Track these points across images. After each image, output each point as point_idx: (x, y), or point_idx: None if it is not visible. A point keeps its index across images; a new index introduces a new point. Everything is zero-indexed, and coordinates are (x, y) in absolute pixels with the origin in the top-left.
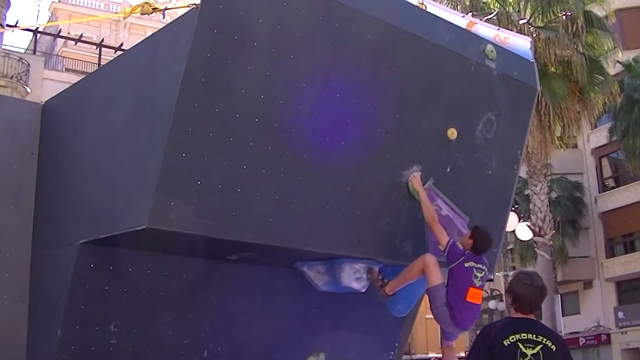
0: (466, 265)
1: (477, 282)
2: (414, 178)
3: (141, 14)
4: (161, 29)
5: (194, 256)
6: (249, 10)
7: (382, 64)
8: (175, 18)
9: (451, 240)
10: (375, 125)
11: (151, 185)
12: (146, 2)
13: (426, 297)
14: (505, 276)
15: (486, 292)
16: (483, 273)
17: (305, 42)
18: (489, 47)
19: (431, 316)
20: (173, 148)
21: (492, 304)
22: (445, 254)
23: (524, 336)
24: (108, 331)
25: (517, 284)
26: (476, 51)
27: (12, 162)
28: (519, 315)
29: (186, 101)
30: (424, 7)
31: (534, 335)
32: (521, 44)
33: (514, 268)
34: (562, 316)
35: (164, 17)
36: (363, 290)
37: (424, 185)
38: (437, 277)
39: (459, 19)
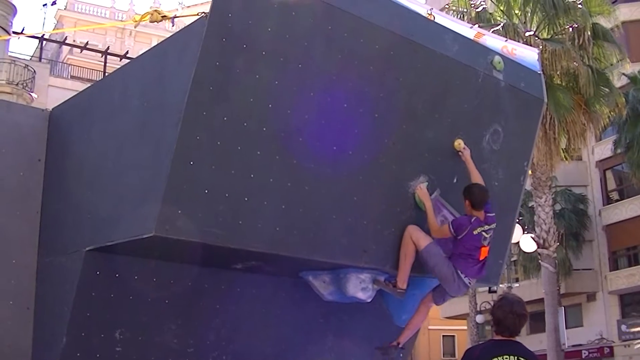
0: (475, 232)
1: (486, 242)
2: (420, 189)
3: (150, 22)
4: (170, 37)
5: (199, 264)
6: (258, 19)
7: (389, 74)
8: (184, 26)
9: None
10: (382, 136)
11: (158, 193)
12: (155, 10)
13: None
14: (509, 288)
15: (489, 303)
16: (491, 232)
17: (313, 52)
18: (497, 58)
19: (433, 327)
20: (180, 156)
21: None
22: (453, 233)
23: (506, 358)
24: (113, 339)
25: (498, 309)
26: (484, 62)
27: (19, 168)
28: (500, 337)
29: (194, 109)
30: (432, 18)
31: (515, 357)
32: (529, 55)
33: (517, 280)
34: (566, 329)
35: (173, 25)
36: (368, 301)
37: (430, 196)
38: (424, 239)
39: (467, 30)
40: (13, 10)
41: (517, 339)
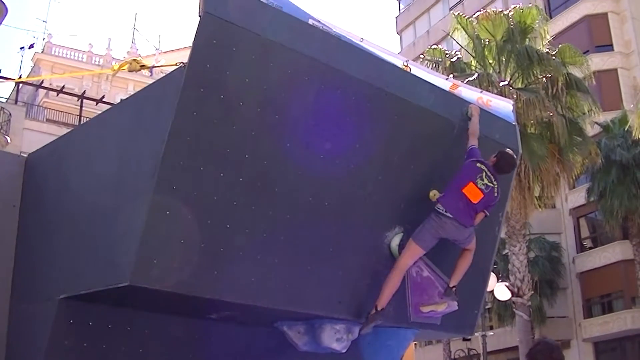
0: (478, 165)
1: (480, 184)
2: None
3: (129, 71)
4: (148, 85)
5: (174, 314)
6: (236, 70)
7: (366, 125)
8: (162, 75)
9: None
10: (358, 186)
11: (134, 242)
12: (134, 59)
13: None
14: (483, 336)
15: (463, 351)
16: (491, 187)
17: (291, 103)
18: None
19: None
20: (157, 205)
21: None
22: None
23: None
24: None
25: (538, 354)
26: (459, 113)
27: None
28: None
29: (171, 159)
30: (408, 69)
31: None
32: (503, 106)
33: (491, 327)
34: None
35: (151, 75)
36: (344, 351)
37: (404, 245)
38: (410, 245)
39: (442, 81)
40: None
41: None
